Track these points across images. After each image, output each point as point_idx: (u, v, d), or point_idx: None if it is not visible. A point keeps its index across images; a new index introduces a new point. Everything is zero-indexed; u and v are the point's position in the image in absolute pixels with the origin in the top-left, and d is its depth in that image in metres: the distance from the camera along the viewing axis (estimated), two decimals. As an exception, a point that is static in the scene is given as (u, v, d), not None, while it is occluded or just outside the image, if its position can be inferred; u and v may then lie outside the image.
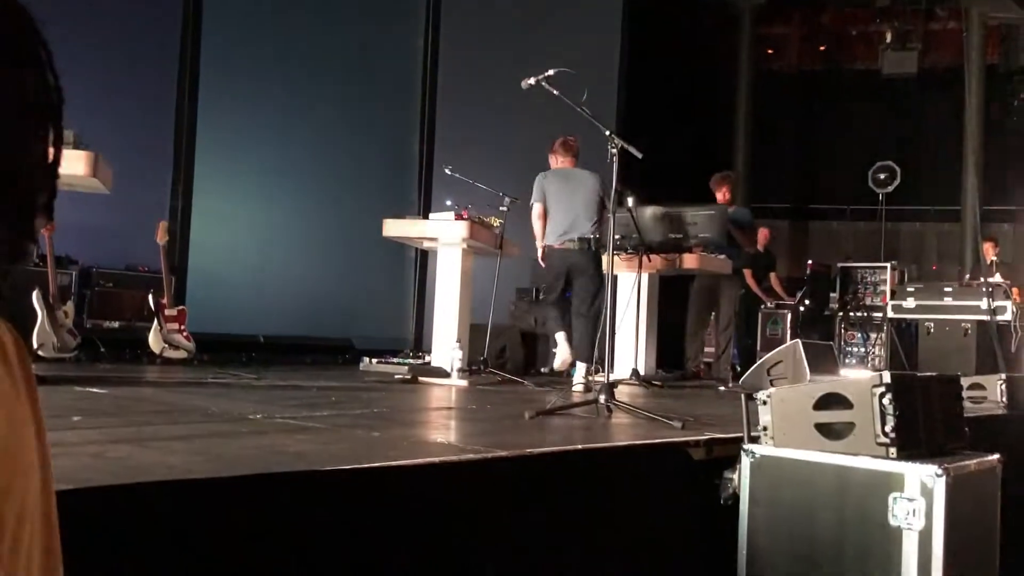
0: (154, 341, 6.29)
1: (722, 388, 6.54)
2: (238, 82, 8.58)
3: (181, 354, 6.33)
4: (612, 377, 4.11)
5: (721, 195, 7.48)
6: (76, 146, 4.21)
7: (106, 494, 1.60)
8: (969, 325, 8.21)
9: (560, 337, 5.99)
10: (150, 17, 8.06)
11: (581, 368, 5.83)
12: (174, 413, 3.51)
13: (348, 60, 9.46)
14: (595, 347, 5.74)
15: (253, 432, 2.81)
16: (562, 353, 5.98)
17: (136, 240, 7.10)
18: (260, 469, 2.00)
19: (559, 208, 6.00)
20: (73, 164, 4.08)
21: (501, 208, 6.35)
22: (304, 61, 9.08)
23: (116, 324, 7.00)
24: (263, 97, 8.77)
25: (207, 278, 7.95)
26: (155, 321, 6.31)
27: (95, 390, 4.06)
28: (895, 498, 2.47)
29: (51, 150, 0.69)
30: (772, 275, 10.15)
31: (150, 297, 6.39)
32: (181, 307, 6.51)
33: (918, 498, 2.43)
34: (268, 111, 8.81)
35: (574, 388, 5.47)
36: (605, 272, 5.32)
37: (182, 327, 6.40)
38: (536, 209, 6.07)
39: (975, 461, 2.68)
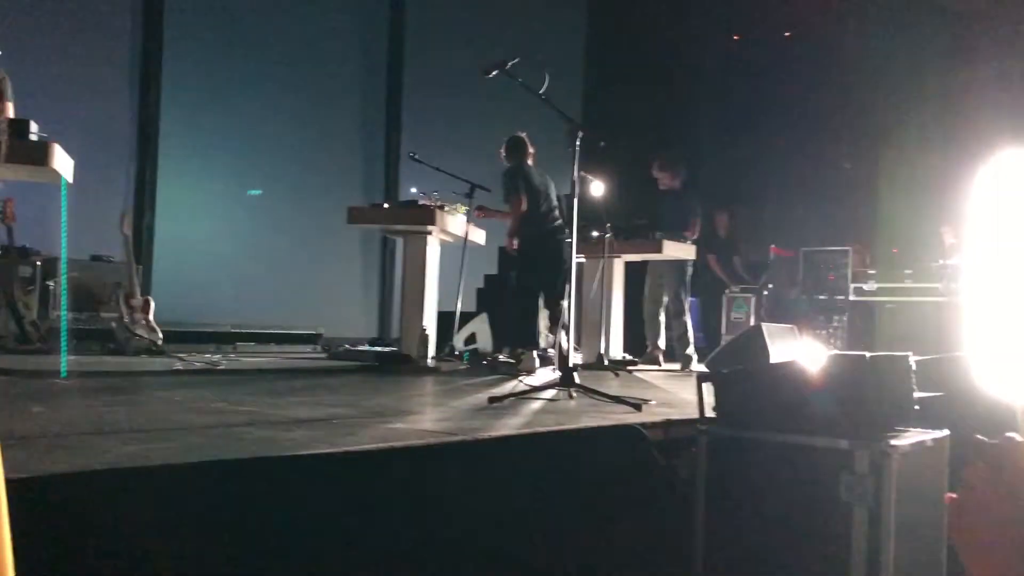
0: (119, 331, 6.25)
1: (681, 371, 6.63)
2: (202, 70, 8.52)
3: (146, 343, 6.29)
4: (575, 361, 4.16)
5: (668, 179, 7.43)
6: (36, 136, 4.18)
7: (63, 482, 1.62)
8: (929, 306, 8.36)
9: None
10: (110, 4, 7.97)
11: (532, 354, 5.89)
12: (137, 402, 3.51)
13: (314, 49, 9.41)
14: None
15: (217, 420, 2.82)
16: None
17: (101, 230, 7.04)
18: (220, 455, 2.02)
19: (533, 191, 6.17)
20: (33, 155, 4.04)
21: (466, 196, 6.37)
22: (269, 49, 9.02)
23: (82, 314, 6.95)
24: (227, 86, 8.71)
25: (173, 268, 7.91)
26: (120, 311, 6.27)
27: (58, 381, 4.04)
28: (846, 475, 2.53)
29: None
30: (735, 259, 10.25)
31: (115, 287, 6.35)
32: (147, 297, 6.47)
33: (868, 474, 2.50)
34: (233, 100, 8.75)
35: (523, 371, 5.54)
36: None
37: (148, 317, 6.37)
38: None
39: (924, 438, 2.75)
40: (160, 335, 6.40)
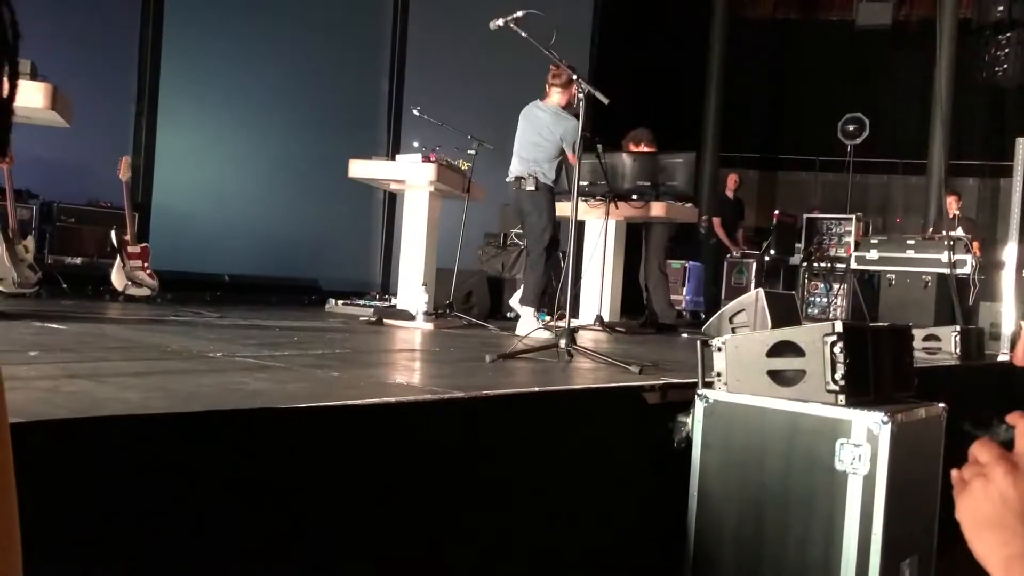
0: (116, 278, 6.23)
1: (684, 335, 6.62)
2: (204, 15, 8.40)
3: (144, 292, 6.28)
4: (575, 323, 4.15)
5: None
6: (33, 77, 4.12)
7: (59, 428, 1.61)
8: (929, 278, 8.34)
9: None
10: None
11: (525, 312, 5.75)
12: (133, 350, 3.50)
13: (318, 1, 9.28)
14: (536, 291, 5.72)
15: (212, 370, 2.81)
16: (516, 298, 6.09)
17: (98, 175, 6.99)
18: (217, 405, 2.01)
19: (516, 142, 5.94)
20: (30, 96, 3.99)
21: (470, 152, 6.31)
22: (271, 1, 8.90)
23: (78, 260, 6.93)
24: (230, 32, 8.60)
25: (171, 215, 7.87)
26: (118, 258, 6.25)
27: (54, 325, 4.03)
28: (842, 444, 2.54)
29: (5, 85, 0.68)
30: (740, 226, 10.21)
31: (113, 234, 6.31)
32: (144, 244, 6.44)
33: (864, 444, 2.50)
34: (235, 48, 8.64)
35: (517, 334, 5.44)
36: (565, 217, 5.30)
37: (145, 264, 6.34)
38: None
39: (921, 409, 2.76)
40: (157, 283, 6.38)
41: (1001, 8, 11.48)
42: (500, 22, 4.10)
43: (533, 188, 5.72)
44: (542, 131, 5.81)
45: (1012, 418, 0.84)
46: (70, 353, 3.15)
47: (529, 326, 5.45)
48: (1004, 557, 0.78)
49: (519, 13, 4.05)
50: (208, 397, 2.20)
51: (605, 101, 3.98)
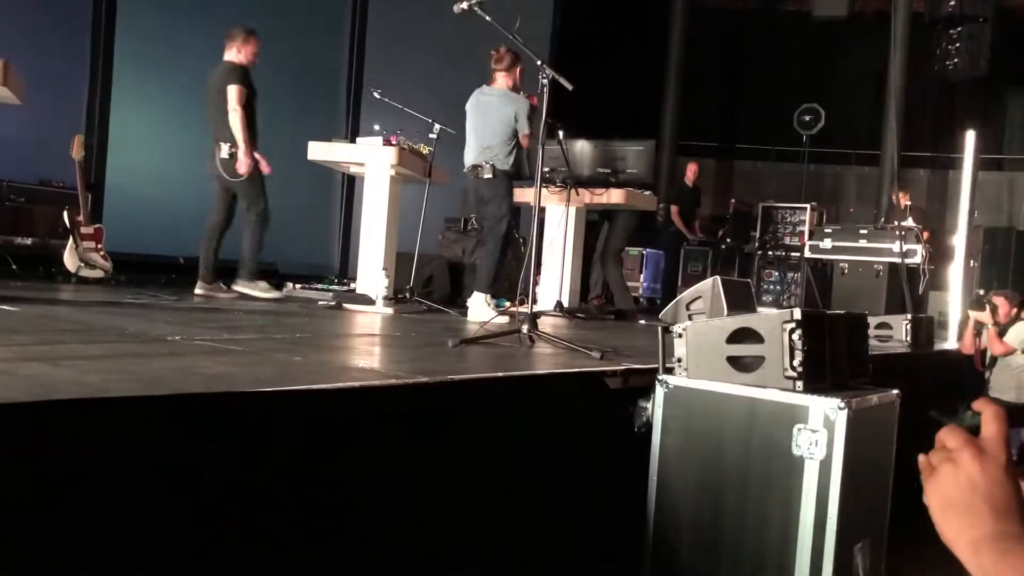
0: (69, 259, 6.11)
1: (642, 321, 6.68)
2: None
3: (97, 273, 6.17)
4: (535, 307, 4.16)
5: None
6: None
7: (17, 411, 1.58)
8: (881, 267, 8.50)
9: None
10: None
11: (477, 298, 5.67)
12: (89, 332, 3.44)
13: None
14: (491, 278, 5.67)
15: (171, 353, 2.78)
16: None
17: (50, 154, 6.84)
18: (178, 389, 1.99)
19: (467, 132, 5.88)
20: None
21: (431, 136, 6.28)
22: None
23: (29, 241, 6.78)
24: (186, 11, 8.43)
25: (125, 196, 7.73)
26: (70, 239, 6.12)
27: (6, 308, 3.94)
28: (799, 429, 2.59)
29: None
30: (696, 215, 10.29)
31: (65, 214, 6.18)
32: (98, 225, 6.32)
33: (820, 429, 2.55)
34: (191, 27, 8.48)
35: (469, 319, 5.44)
36: (528, 204, 5.29)
37: (99, 246, 6.23)
38: None
39: (876, 395, 2.82)
40: (110, 264, 6.26)
41: (953, 3, 11.69)
42: (464, 5, 4.08)
43: (491, 175, 5.68)
44: (492, 114, 5.72)
45: (978, 404, 0.87)
46: (24, 335, 3.08)
47: (482, 312, 5.45)
48: (971, 539, 0.81)
49: (484, -4, 4.04)
50: (170, 380, 2.18)
51: (569, 87, 3.99)
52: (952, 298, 8.18)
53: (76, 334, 3.35)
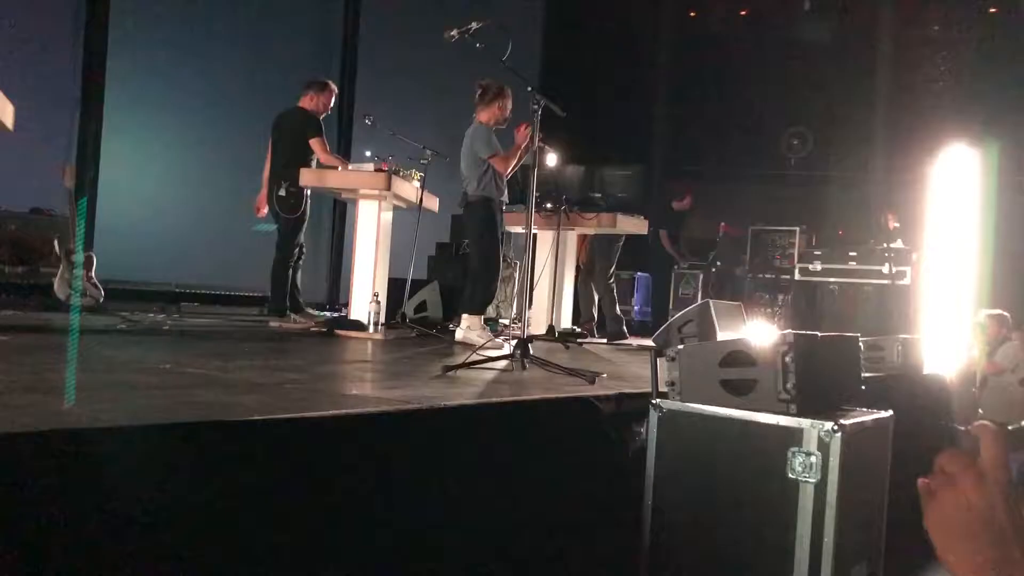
0: (59, 287, 6.09)
1: (635, 344, 6.68)
2: (151, 19, 8.25)
3: (89, 302, 6.14)
4: (528, 332, 4.16)
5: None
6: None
7: (6, 442, 1.57)
8: (871, 288, 8.53)
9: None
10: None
11: (469, 321, 5.65)
12: (80, 362, 3.42)
13: (267, 4, 9.18)
14: (479, 299, 5.67)
15: (164, 382, 2.77)
16: None
17: (42, 182, 6.82)
18: (169, 419, 1.98)
19: None
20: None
21: (422, 162, 6.30)
22: (221, 2, 8.78)
23: (19, 269, 6.75)
24: (178, 36, 8.46)
25: (117, 224, 7.69)
26: (61, 267, 6.10)
27: (-4, 337, 3.92)
28: (793, 452, 2.58)
29: None
30: (682, 236, 10.29)
31: (56, 242, 6.17)
32: (89, 253, 6.30)
33: (815, 452, 2.55)
34: (184, 51, 8.51)
35: (458, 340, 5.47)
36: (520, 231, 5.29)
37: (90, 274, 6.21)
38: None
39: (870, 417, 2.82)
40: (102, 293, 6.24)
41: (936, 27, 11.81)
42: (455, 33, 4.11)
43: (464, 203, 5.77)
44: (464, 148, 5.79)
45: (976, 428, 0.87)
46: (14, 365, 3.07)
47: (472, 334, 5.46)
48: (975, 565, 0.80)
49: (474, 24, 4.07)
50: (161, 410, 2.17)
51: (561, 113, 4.02)
52: (946, 318, 8.20)
53: (66, 363, 3.33)
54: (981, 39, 11.54)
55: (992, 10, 11.58)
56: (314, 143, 6.22)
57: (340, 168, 6.22)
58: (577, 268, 7.45)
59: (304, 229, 6.39)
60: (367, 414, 2.31)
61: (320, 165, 6.29)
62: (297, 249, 6.35)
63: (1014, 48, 10.77)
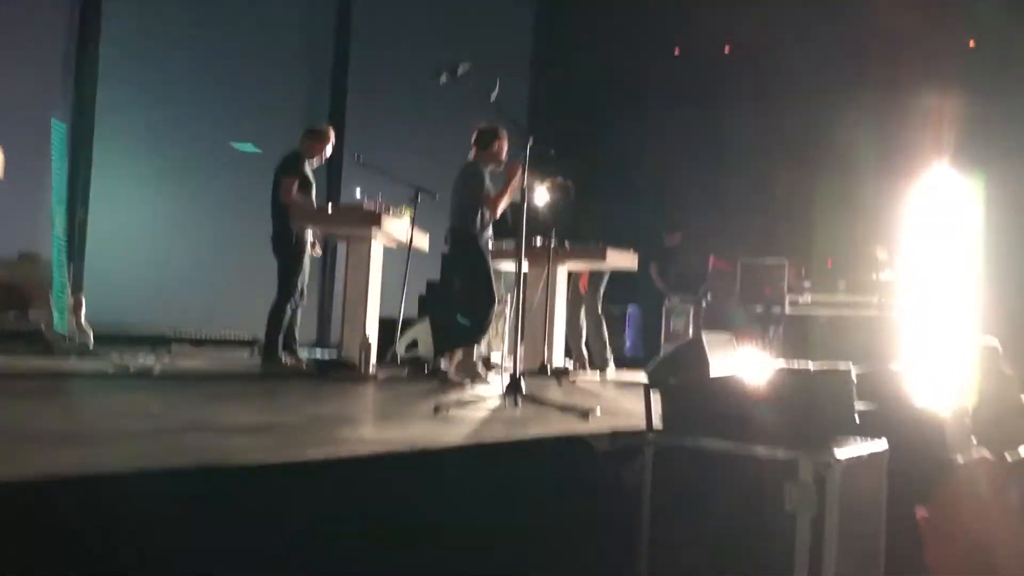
0: (48, 332, 6.06)
1: (627, 379, 6.67)
2: (140, 64, 8.31)
3: (77, 346, 6.11)
4: (520, 369, 4.15)
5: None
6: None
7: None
8: (861, 319, 8.56)
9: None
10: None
11: (459, 356, 5.73)
12: (69, 407, 3.40)
13: (257, 47, 9.25)
14: (470, 336, 5.70)
15: (154, 426, 2.75)
16: None
17: (31, 226, 6.81)
18: (160, 465, 1.96)
19: None
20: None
21: (412, 200, 6.30)
22: (211, 45, 8.84)
23: (9, 314, 6.71)
24: (167, 80, 8.51)
25: (107, 267, 7.68)
26: (51, 311, 6.08)
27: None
28: (790, 485, 2.57)
29: None
30: (672, 268, 10.28)
31: (45, 286, 6.15)
32: (78, 296, 6.28)
33: (811, 485, 2.54)
34: (173, 95, 8.55)
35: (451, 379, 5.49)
36: (509, 267, 5.29)
37: (79, 317, 6.18)
38: None
39: (864, 449, 2.81)
40: (91, 336, 6.21)
41: (919, 59, 11.96)
42: (444, 77, 4.15)
43: (453, 241, 5.84)
44: (456, 185, 5.87)
45: (975, 462, 0.87)
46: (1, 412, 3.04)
47: (465, 370, 5.48)
48: None
49: (463, 67, 4.11)
50: (152, 456, 2.15)
51: (551, 152, 4.05)
52: (937, 347, 8.21)
53: (55, 408, 3.30)
54: (962, 70, 11.69)
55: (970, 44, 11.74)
56: (283, 180, 6.12)
57: (303, 210, 6.10)
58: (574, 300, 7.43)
59: (304, 271, 6.31)
60: (358, 457, 2.29)
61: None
62: (297, 292, 6.28)
63: (994, 79, 10.90)
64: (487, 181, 5.75)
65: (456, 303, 6.02)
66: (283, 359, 6.09)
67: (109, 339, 6.60)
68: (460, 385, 5.25)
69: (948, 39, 11.63)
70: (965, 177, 8.67)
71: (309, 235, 6.21)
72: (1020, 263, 9.04)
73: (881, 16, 11.07)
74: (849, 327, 8.58)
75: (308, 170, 6.29)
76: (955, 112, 11.26)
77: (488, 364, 6.48)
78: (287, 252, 6.11)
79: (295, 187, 6.09)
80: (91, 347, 6.16)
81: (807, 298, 9.01)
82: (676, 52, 13.57)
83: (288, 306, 6.15)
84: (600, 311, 7.38)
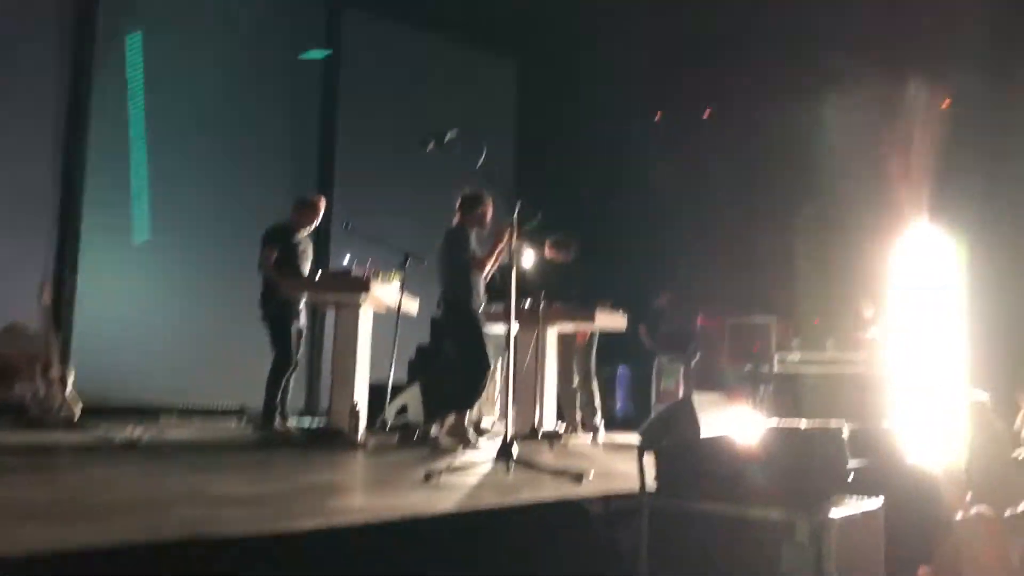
0: (35, 405, 6.00)
1: (618, 441, 6.63)
2: (128, 137, 8.39)
3: (64, 419, 6.04)
4: (511, 433, 4.13)
5: (562, 257, 7.30)
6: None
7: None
8: (850, 376, 8.56)
9: None
10: (34, 62, 7.83)
11: (451, 422, 5.73)
12: (56, 480, 3.36)
13: (244, 114, 9.34)
14: (460, 401, 5.71)
15: (142, 498, 2.71)
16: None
17: (17, 298, 6.79)
18: (148, 537, 1.94)
19: None
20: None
21: (401, 265, 6.31)
22: (198, 115, 8.93)
23: (-5, 388, 6.65)
24: (154, 152, 8.59)
25: (94, 339, 7.65)
26: (36, 384, 6.03)
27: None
28: (786, 545, 2.55)
29: None
30: (661, 327, 10.31)
31: (32, 359, 6.11)
32: (66, 368, 6.24)
33: (807, 545, 2.52)
34: (159, 167, 8.62)
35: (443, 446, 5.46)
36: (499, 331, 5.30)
37: (66, 389, 6.13)
38: None
39: (859, 507, 2.80)
40: (79, 407, 6.15)
41: (897, 122, 12.20)
42: (431, 145, 4.22)
43: (443, 306, 5.87)
44: (442, 250, 5.90)
45: (972, 519, 0.87)
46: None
47: (456, 436, 5.44)
48: None
49: (451, 135, 4.17)
50: (140, 529, 2.12)
51: (538, 216, 4.10)
52: (926, 404, 8.20)
53: (43, 482, 3.26)
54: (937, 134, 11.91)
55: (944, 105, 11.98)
56: (263, 250, 6.23)
57: (288, 279, 6.13)
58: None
59: (297, 340, 6.31)
60: (349, 526, 2.27)
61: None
62: (294, 358, 6.28)
63: (973, 140, 11.10)
64: (472, 243, 5.79)
65: (448, 368, 6.00)
66: (277, 425, 6.05)
67: (96, 411, 6.54)
68: (451, 451, 5.21)
69: (924, 100, 11.86)
70: (947, 232, 8.77)
71: (301, 304, 6.26)
72: (1006, 317, 9.10)
73: (862, 81, 11.31)
74: (838, 385, 8.57)
75: (300, 239, 6.36)
76: (933, 171, 11.45)
77: (479, 429, 6.44)
78: (272, 318, 6.14)
79: (273, 257, 6.17)
80: (76, 419, 6.09)
81: (796, 356, 9.02)
82: (657, 117, 13.79)
83: (286, 370, 6.14)
84: (593, 371, 7.36)
